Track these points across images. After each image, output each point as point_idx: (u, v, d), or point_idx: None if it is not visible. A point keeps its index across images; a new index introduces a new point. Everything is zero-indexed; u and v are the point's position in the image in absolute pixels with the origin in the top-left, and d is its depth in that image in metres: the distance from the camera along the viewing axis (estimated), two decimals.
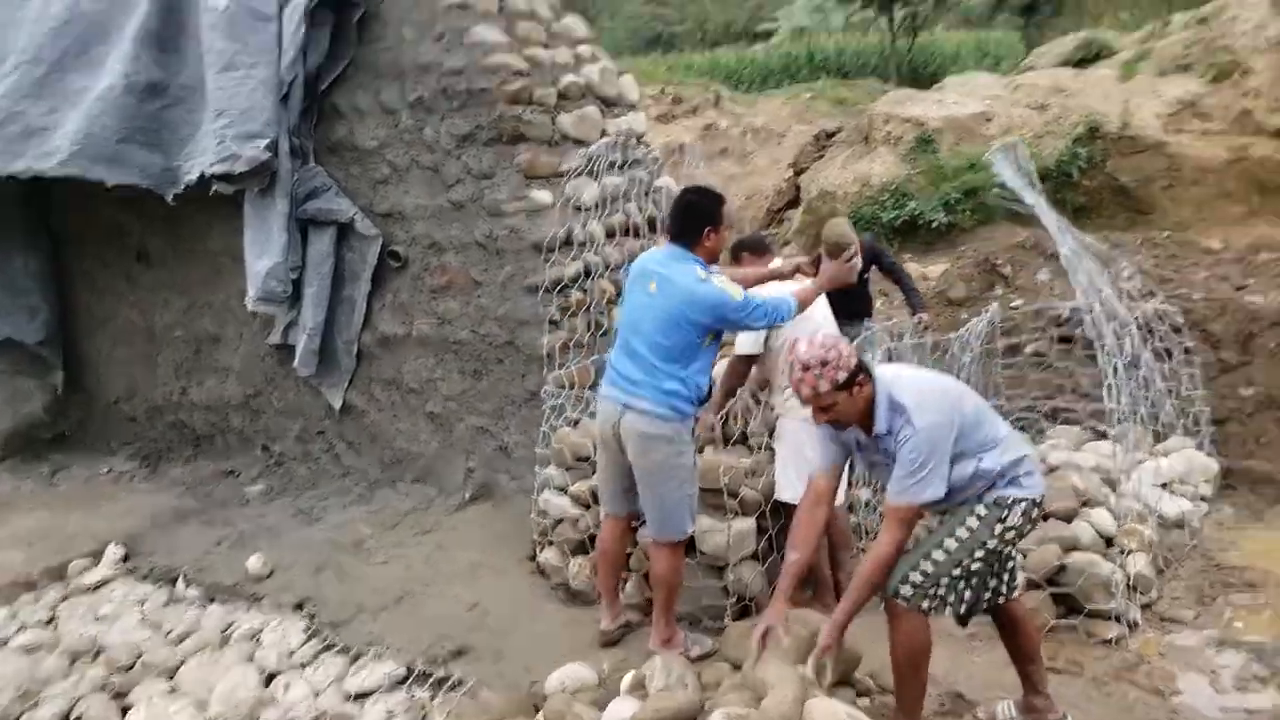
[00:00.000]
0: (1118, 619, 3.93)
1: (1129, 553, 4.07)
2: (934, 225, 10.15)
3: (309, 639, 4.37)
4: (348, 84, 5.97)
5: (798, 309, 3.78)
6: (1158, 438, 5.31)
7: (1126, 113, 9.15)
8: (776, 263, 4.32)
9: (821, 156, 13.06)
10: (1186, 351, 5.05)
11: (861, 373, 2.97)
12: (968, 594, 3.04)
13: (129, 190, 5.93)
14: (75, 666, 4.34)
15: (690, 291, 3.63)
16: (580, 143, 5.75)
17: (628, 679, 3.32)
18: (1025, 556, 3.97)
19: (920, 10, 25.46)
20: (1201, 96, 9.24)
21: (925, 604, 2.99)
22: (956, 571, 2.97)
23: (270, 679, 4.10)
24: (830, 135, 14.18)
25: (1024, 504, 2.98)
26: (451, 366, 5.79)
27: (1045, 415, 5.83)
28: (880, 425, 2.99)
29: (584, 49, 6.09)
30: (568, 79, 5.73)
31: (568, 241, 5.43)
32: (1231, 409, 5.54)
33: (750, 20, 35.16)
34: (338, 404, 6.23)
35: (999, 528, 2.96)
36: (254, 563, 5.04)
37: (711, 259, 3.84)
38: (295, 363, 6.07)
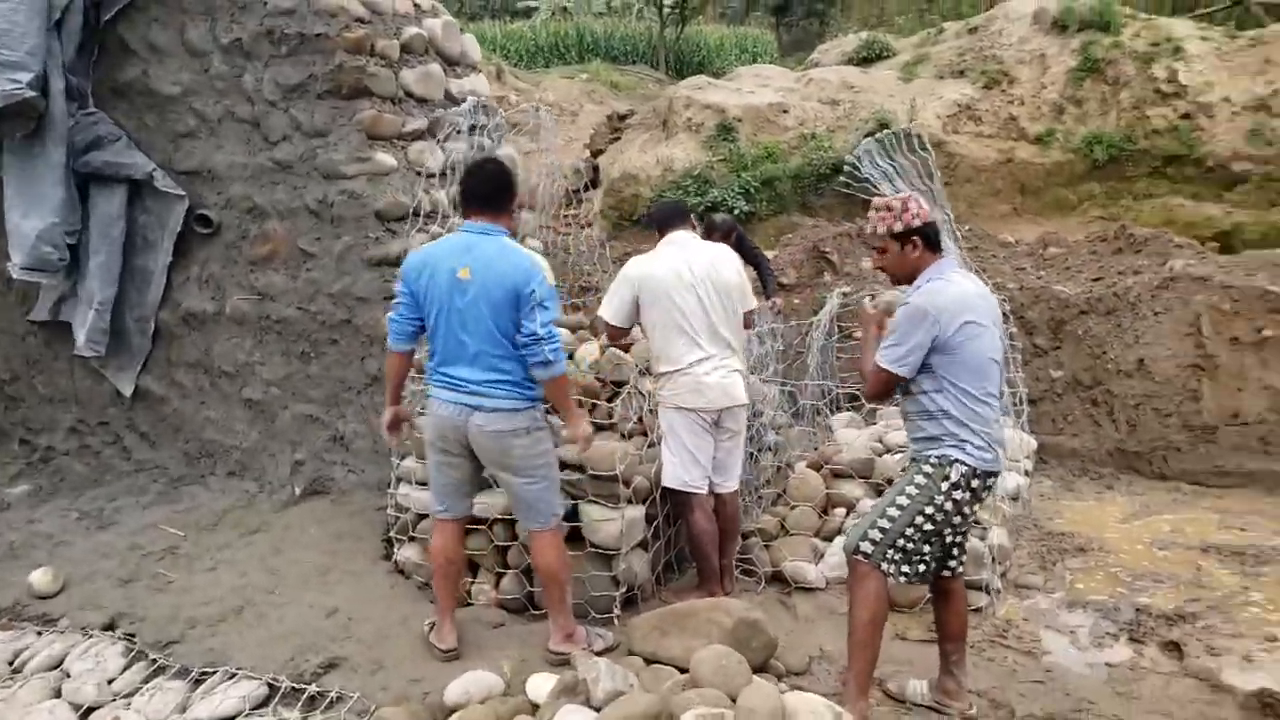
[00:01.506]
0: (985, 589, 4.13)
1: (991, 526, 4.29)
2: (735, 212, 10.38)
3: (130, 663, 3.73)
4: (140, 16, 5.18)
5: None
6: None
7: (913, 111, 9.75)
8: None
9: (617, 138, 13.05)
10: (1011, 337, 5.42)
11: (918, 236, 3.13)
12: (920, 563, 3.11)
13: None
14: None
15: (517, 265, 3.31)
16: (424, 101, 5.31)
17: (550, 684, 3.04)
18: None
19: (690, 1, 26.14)
20: (975, 101, 10.02)
21: (884, 564, 3.06)
22: (909, 530, 3.06)
23: (87, 714, 3.47)
24: (623, 117, 14.21)
25: (963, 469, 3.03)
26: (274, 348, 5.18)
27: None
28: (909, 293, 3.16)
29: (422, 0, 5.62)
30: (411, 31, 5.25)
31: (414, 212, 4.99)
32: (1043, 390, 6.04)
33: None
34: (128, 390, 5.41)
35: (945, 485, 3.04)
36: (39, 578, 4.27)
37: (512, 233, 3.58)
38: (79, 342, 5.21)
